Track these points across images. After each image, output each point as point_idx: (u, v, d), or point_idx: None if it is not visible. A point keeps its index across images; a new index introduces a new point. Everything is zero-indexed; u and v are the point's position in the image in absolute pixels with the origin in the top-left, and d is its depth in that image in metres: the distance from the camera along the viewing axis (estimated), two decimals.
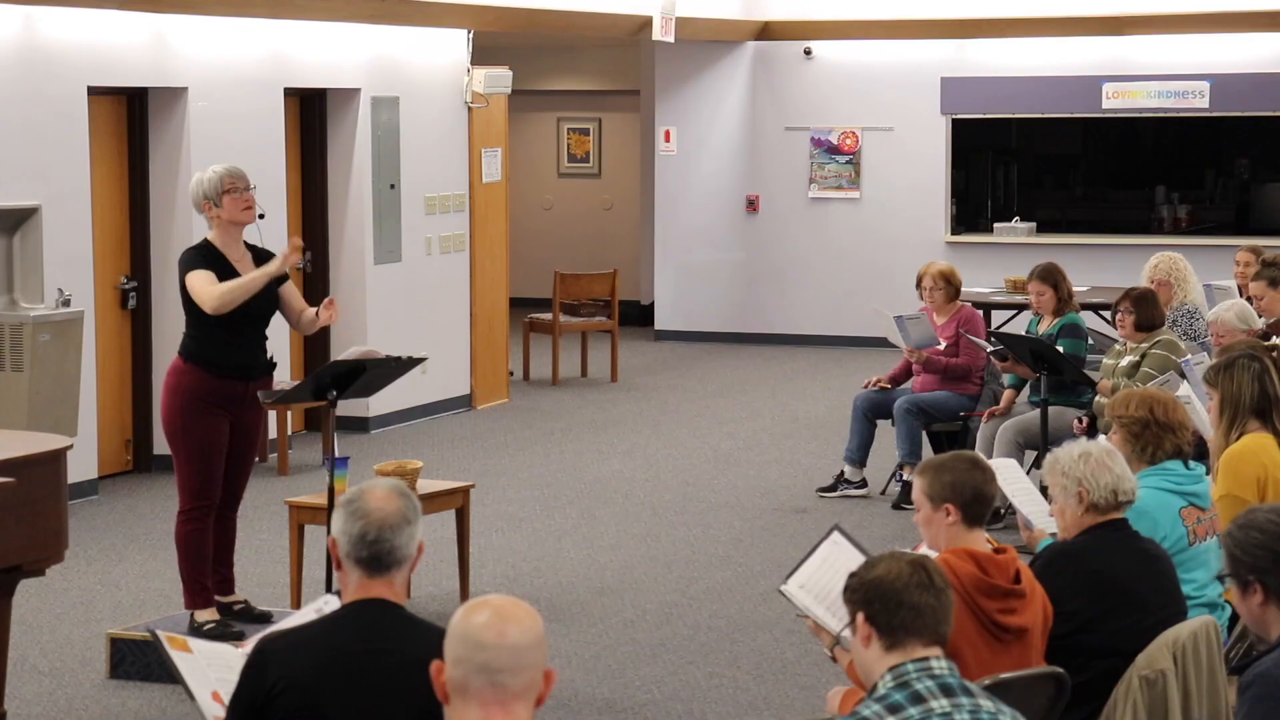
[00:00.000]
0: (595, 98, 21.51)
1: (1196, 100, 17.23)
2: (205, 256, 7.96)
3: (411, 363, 8.37)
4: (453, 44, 14.61)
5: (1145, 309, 10.13)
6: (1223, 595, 6.18)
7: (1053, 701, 5.02)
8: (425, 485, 8.90)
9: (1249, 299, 10.73)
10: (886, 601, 3.98)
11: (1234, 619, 6.21)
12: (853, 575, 4.10)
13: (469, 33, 14.64)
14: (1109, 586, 5.39)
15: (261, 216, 8.12)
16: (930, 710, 3.88)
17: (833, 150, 18.26)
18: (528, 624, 3.57)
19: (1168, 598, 5.52)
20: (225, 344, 7.93)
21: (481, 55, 15.11)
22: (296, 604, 8.60)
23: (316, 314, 8.13)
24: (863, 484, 11.45)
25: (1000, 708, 3.96)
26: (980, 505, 5.18)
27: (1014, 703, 4.14)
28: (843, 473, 11.51)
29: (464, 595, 8.91)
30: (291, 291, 8.20)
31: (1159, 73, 17.30)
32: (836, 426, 13.17)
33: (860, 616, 4.02)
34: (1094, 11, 17.26)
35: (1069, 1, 17.38)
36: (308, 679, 4.13)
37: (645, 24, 16.27)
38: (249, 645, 4.52)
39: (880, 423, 11.47)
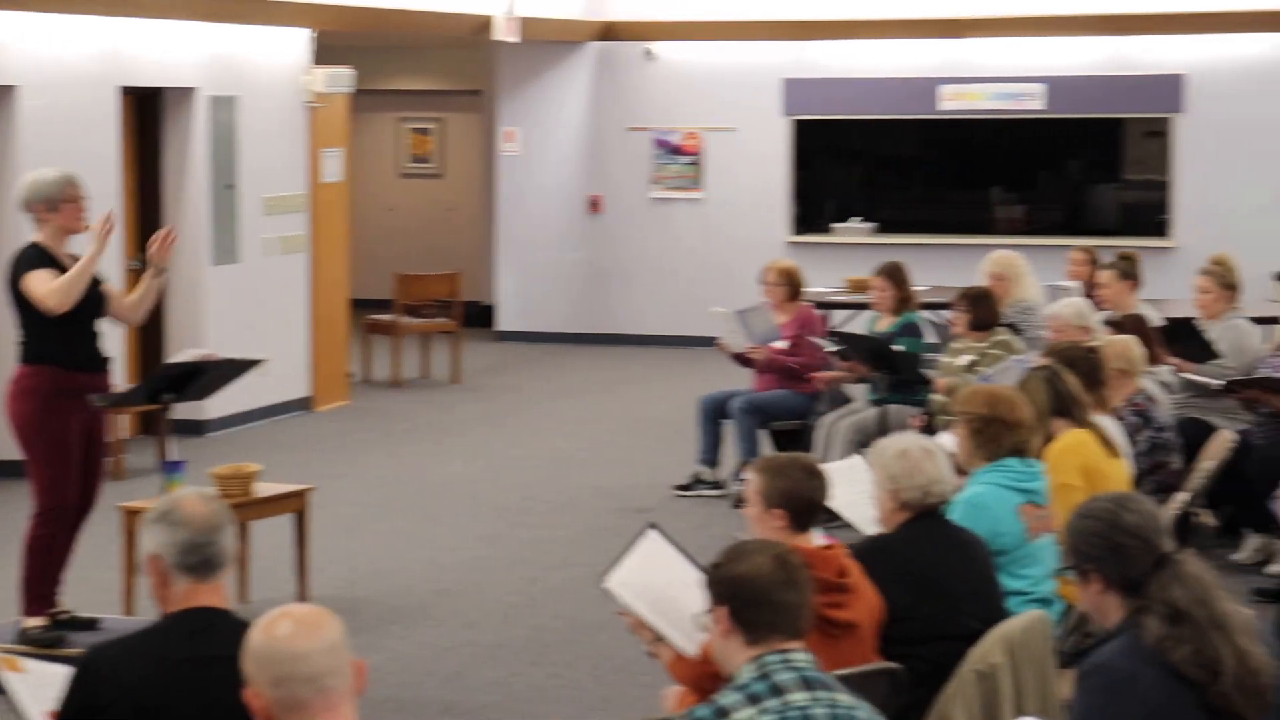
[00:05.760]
0: (438, 98, 21.43)
1: (1032, 102, 17.49)
2: (42, 258, 7.86)
3: (250, 364, 8.28)
4: (294, 43, 14.48)
5: (980, 308, 10.26)
6: (1056, 591, 6.28)
7: (887, 697, 5.06)
8: (263, 489, 8.80)
9: (1089, 294, 10.97)
10: (750, 599, 3.97)
11: (1066, 613, 6.31)
12: (716, 566, 4.06)
13: (312, 32, 14.52)
14: (917, 577, 5.48)
15: (86, 229, 8.00)
16: (789, 703, 3.90)
17: (675, 151, 18.32)
18: (329, 623, 3.57)
19: (978, 583, 5.61)
20: (70, 338, 7.86)
21: (326, 55, 14.99)
22: (129, 610, 8.49)
23: (144, 284, 8.04)
24: (718, 485, 11.47)
25: (856, 701, 3.98)
26: (810, 514, 5.24)
27: None
28: (699, 474, 11.54)
29: (302, 600, 8.82)
30: (110, 289, 8.13)
31: (995, 75, 17.54)
32: (679, 426, 13.20)
33: (724, 611, 3.99)
34: (932, 14, 17.46)
35: (908, 3, 17.57)
36: (140, 691, 4.08)
37: (488, 24, 16.23)
38: None
39: (727, 422, 11.51)
